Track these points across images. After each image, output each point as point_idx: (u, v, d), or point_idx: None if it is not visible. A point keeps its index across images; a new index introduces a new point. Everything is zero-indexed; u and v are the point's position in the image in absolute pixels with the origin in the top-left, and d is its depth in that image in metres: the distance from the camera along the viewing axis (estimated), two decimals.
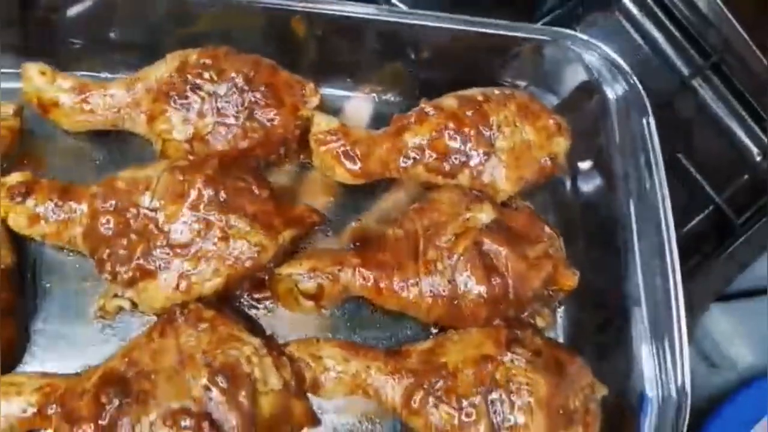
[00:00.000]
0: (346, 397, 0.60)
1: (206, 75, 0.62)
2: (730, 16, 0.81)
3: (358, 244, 0.66)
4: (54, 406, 0.54)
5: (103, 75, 0.68)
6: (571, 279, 0.63)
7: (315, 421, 0.60)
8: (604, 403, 0.61)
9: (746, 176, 0.82)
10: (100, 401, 0.53)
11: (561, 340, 0.68)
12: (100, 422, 0.52)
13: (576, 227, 0.70)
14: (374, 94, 0.74)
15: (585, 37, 0.67)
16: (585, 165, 0.70)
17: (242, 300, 0.64)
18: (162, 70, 0.63)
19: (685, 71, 0.84)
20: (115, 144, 0.67)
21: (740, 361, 0.79)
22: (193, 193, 0.58)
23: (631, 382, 0.61)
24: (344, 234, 0.68)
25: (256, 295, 0.64)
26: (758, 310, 0.81)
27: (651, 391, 0.59)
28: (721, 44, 0.82)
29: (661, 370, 0.59)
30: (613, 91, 0.68)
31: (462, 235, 0.61)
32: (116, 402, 0.53)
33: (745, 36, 0.81)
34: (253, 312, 0.64)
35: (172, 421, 0.52)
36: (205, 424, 0.52)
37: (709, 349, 0.80)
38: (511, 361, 0.58)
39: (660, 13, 0.85)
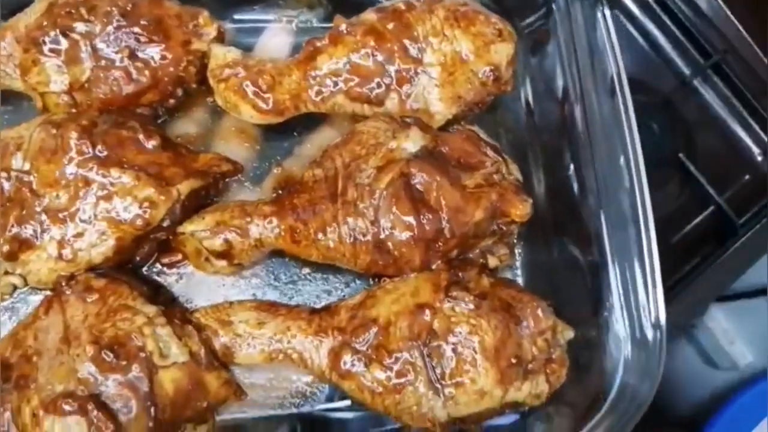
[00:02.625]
0: (267, 364, 0.52)
1: (76, 13, 0.54)
2: (731, 15, 0.79)
3: (280, 192, 0.58)
4: None
5: None
6: (521, 208, 0.53)
7: (238, 392, 0.53)
8: (571, 347, 0.53)
9: (747, 176, 0.80)
10: None
11: (521, 281, 0.59)
12: None
13: (531, 151, 0.61)
14: (293, 22, 0.65)
15: None
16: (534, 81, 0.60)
17: (153, 266, 0.57)
18: (30, 15, 0.55)
19: (686, 71, 0.81)
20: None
21: (740, 361, 0.79)
22: (68, 148, 0.51)
23: (599, 320, 0.52)
24: (265, 183, 0.59)
25: (165, 260, 0.57)
26: (759, 310, 0.80)
27: (621, 327, 0.50)
28: (722, 44, 0.79)
29: (629, 301, 0.50)
30: None
31: (384, 168, 0.52)
32: None
33: (746, 36, 0.79)
34: (164, 279, 0.57)
35: (53, 406, 0.46)
36: (92, 407, 0.45)
37: (710, 349, 0.80)
38: (452, 308, 0.50)
39: (661, 13, 0.81)
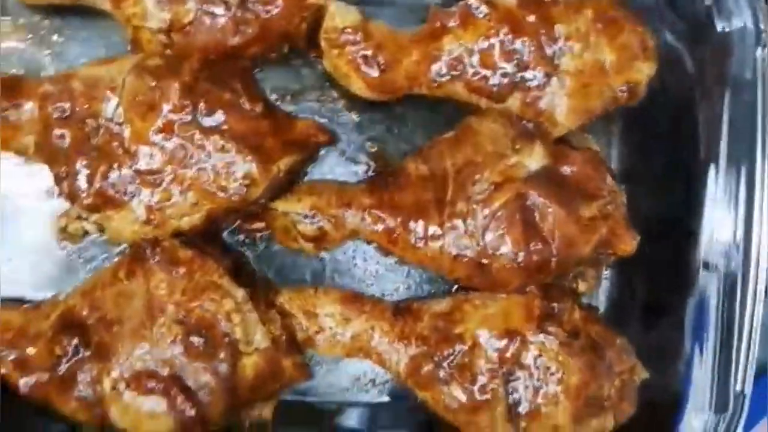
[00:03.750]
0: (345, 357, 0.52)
1: None
2: None
3: (372, 175, 0.55)
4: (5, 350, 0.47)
5: None
6: (629, 244, 0.51)
7: (307, 375, 0.52)
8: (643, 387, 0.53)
9: None
10: (55, 351, 0.46)
11: (602, 306, 0.58)
12: (54, 375, 0.45)
13: (637, 170, 0.58)
14: None
15: None
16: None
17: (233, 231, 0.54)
18: None
19: None
20: (77, 22, 0.54)
21: None
22: (166, 107, 0.46)
23: (677, 369, 0.52)
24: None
25: (248, 227, 0.54)
26: None
27: (699, 391, 0.50)
28: None
29: (715, 368, 0.49)
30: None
31: (502, 186, 0.48)
32: (73, 353, 0.46)
33: None
34: (244, 247, 0.54)
35: (136, 383, 0.45)
36: (175, 391, 0.45)
37: None
38: (542, 342, 0.49)
39: None
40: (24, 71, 0.53)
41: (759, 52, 0.50)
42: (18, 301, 0.51)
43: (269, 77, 0.55)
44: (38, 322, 0.48)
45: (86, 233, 0.52)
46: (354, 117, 0.57)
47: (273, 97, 0.55)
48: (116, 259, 0.50)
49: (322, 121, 0.55)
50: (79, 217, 0.50)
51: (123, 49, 0.52)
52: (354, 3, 0.51)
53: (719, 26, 0.51)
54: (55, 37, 0.54)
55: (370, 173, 0.56)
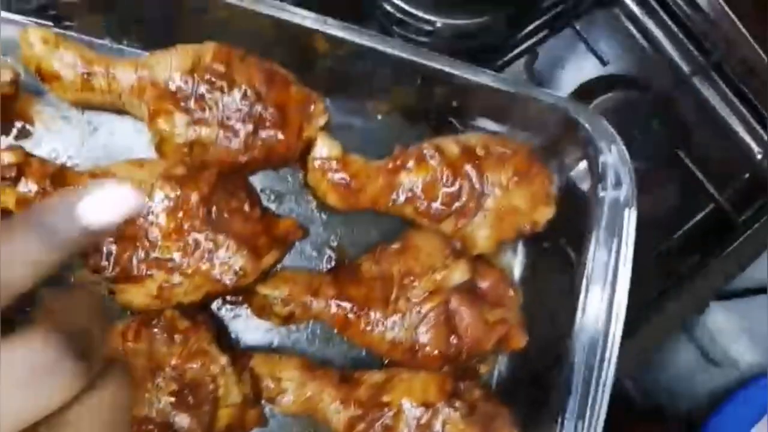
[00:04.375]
0: (297, 415, 0.65)
1: (217, 83, 0.60)
2: (731, 14, 0.80)
3: (333, 266, 0.69)
4: None
5: (104, 42, 0.64)
6: (519, 342, 0.68)
7: (263, 423, 0.66)
8: None
9: (747, 175, 0.82)
10: None
11: (494, 382, 0.75)
12: None
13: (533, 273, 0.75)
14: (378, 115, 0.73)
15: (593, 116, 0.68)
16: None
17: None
18: (172, 65, 0.60)
19: (686, 69, 0.84)
20: (108, 115, 0.65)
21: (740, 359, 0.79)
22: (188, 212, 0.58)
23: None
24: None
25: (231, 298, 0.67)
26: (759, 309, 0.81)
27: None
28: (722, 42, 0.81)
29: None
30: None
31: (433, 294, 0.64)
32: None
33: (747, 34, 0.80)
34: (223, 313, 0.67)
35: (137, 427, 0.57)
36: None
37: (709, 347, 0.81)
38: (449, 413, 0.65)
39: (660, 11, 0.84)
40: (54, 154, 0.64)
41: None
42: None
43: (260, 178, 0.69)
44: None
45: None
46: (323, 216, 0.71)
47: (261, 194, 0.69)
48: (126, 322, 0.61)
49: (298, 218, 0.70)
50: (93, 281, 0.61)
51: (146, 146, 0.64)
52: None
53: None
54: (86, 128, 0.65)
55: (332, 262, 0.71)
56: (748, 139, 0.83)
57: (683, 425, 0.82)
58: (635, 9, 0.85)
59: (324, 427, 0.66)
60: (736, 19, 0.80)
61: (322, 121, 0.65)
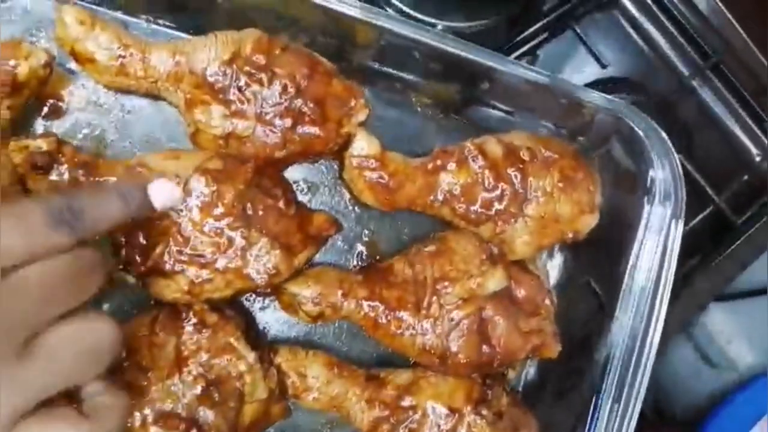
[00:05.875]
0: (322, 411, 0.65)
1: (256, 76, 0.57)
2: (730, 16, 0.80)
3: (365, 264, 0.68)
4: None
5: (139, 20, 0.62)
6: (552, 352, 0.67)
7: (288, 415, 0.66)
8: None
9: (746, 176, 0.83)
10: None
11: (520, 386, 0.74)
12: None
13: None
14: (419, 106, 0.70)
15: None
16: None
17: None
18: (211, 54, 0.57)
19: (685, 71, 0.84)
20: (143, 103, 0.63)
21: (740, 360, 0.80)
22: (222, 208, 0.57)
23: None
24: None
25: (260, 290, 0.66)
26: (758, 310, 0.81)
27: None
28: (721, 45, 0.81)
29: None
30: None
31: (467, 301, 0.63)
32: None
33: (745, 36, 0.80)
34: (252, 305, 0.67)
35: (163, 422, 0.57)
36: (194, 430, 0.57)
37: (709, 348, 0.81)
38: (475, 420, 0.64)
39: (659, 13, 0.83)
40: (87, 141, 0.63)
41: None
42: None
43: (294, 168, 0.67)
44: None
45: (123, 281, 0.62)
46: (356, 210, 0.69)
47: (294, 185, 0.67)
48: (153, 313, 0.60)
49: (331, 211, 0.68)
50: (123, 268, 0.61)
51: (180, 134, 0.62)
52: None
53: None
54: (118, 112, 0.64)
55: (363, 257, 0.69)
56: (746, 141, 0.83)
57: (682, 426, 0.82)
58: (635, 12, 0.85)
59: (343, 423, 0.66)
60: (735, 22, 0.80)
61: (362, 116, 0.63)
